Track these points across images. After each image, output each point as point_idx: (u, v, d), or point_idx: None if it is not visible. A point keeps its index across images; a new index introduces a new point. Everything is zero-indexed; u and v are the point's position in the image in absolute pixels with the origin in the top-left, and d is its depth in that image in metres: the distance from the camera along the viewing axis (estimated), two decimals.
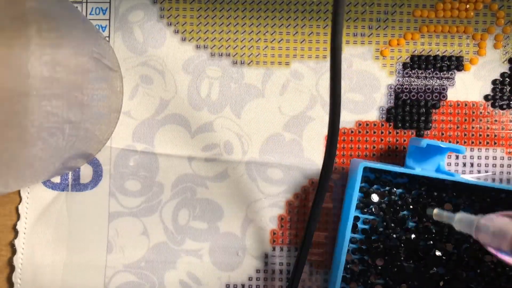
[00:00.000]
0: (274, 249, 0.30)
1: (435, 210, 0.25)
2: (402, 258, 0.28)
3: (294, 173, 0.30)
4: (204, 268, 0.30)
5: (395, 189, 0.28)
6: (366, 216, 0.28)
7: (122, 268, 0.30)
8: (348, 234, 0.26)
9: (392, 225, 0.28)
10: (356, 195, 0.26)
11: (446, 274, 0.28)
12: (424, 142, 0.26)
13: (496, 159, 0.29)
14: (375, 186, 0.28)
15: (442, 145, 0.26)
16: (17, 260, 0.29)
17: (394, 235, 0.28)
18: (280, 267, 0.30)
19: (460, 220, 0.23)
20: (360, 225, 0.28)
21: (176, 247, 0.30)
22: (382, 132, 0.30)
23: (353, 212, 0.26)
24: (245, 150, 0.30)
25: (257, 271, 0.30)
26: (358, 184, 0.26)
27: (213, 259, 0.30)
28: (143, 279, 0.30)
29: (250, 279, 0.30)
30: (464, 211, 0.27)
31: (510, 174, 0.29)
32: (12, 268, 0.30)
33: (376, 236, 0.28)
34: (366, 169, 0.28)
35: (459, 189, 0.28)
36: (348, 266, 0.28)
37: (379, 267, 0.28)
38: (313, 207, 0.26)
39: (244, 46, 0.30)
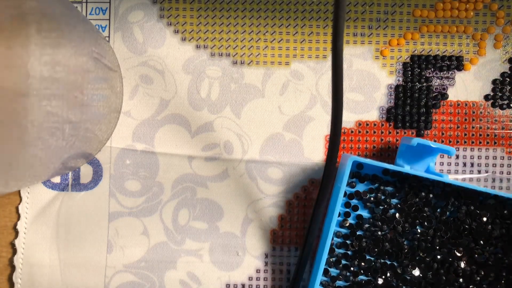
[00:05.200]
0: (274, 249, 0.30)
1: None
2: (386, 257, 0.28)
3: (294, 173, 0.30)
4: (204, 268, 0.30)
5: (383, 187, 0.28)
6: (352, 211, 0.29)
7: (122, 268, 0.30)
8: (333, 228, 0.26)
9: (378, 222, 0.28)
10: (343, 188, 0.26)
11: (427, 276, 0.28)
12: (415, 141, 0.26)
13: (496, 159, 0.29)
14: (364, 182, 0.28)
15: (432, 145, 0.26)
16: (18, 260, 0.29)
17: (379, 233, 0.28)
18: (280, 267, 0.30)
19: None
20: (345, 220, 0.29)
21: (176, 247, 0.30)
22: (382, 132, 0.30)
23: (339, 206, 0.26)
24: (245, 150, 0.30)
25: (257, 271, 0.30)
26: (346, 178, 0.26)
27: (213, 259, 0.30)
28: (143, 279, 0.30)
29: (250, 279, 0.30)
30: (451, 214, 0.28)
31: (510, 174, 0.29)
32: (12, 268, 0.30)
33: (362, 232, 0.28)
34: (356, 165, 0.28)
35: (448, 191, 0.28)
36: (331, 260, 0.28)
37: (362, 263, 0.28)
38: (315, 207, 0.26)
39: (244, 46, 0.30)
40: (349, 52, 0.30)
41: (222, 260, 0.30)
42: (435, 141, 0.30)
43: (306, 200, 0.30)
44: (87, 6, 0.30)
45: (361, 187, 0.29)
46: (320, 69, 0.30)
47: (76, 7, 0.30)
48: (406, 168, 0.27)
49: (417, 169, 0.27)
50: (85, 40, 0.25)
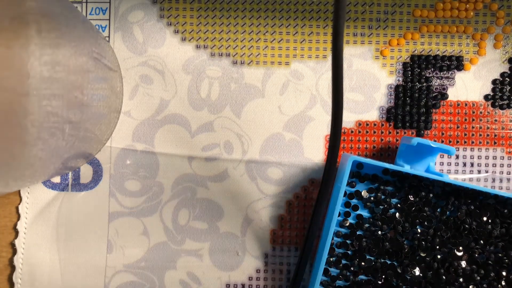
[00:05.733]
0: (274, 249, 0.30)
1: None
2: (386, 256, 0.28)
3: (294, 173, 0.30)
4: (204, 268, 0.30)
5: (383, 186, 0.28)
6: (352, 211, 0.29)
7: (122, 268, 0.30)
8: (333, 227, 0.26)
9: (378, 222, 0.28)
10: (343, 188, 0.26)
11: (427, 276, 0.28)
12: (415, 140, 0.26)
13: (496, 159, 0.29)
14: (364, 182, 0.29)
15: (432, 145, 0.26)
16: (17, 260, 0.29)
17: (380, 232, 0.28)
18: (280, 267, 0.30)
19: None
20: (346, 220, 0.29)
21: (176, 247, 0.30)
22: (382, 132, 0.30)
23: (339, 206, 0.26)
24: (245, 150, 0.30)
25: (257, 271, 0.30)
26: (346, 177, 0.26)
27: (213, 259, 0.30)
28: (143, 279, 0.30)
29: (250, 279, 0.30)
30: (451, 214, 0.28)
31: (510, 174, 0.29)
32: (12, 268, 0.30)
33: (362, 231, 0.28)
34: (356, 165, 0.28)
35: (448, 190, 0.28)
36: (331, 259, 0.28)
37: (362, 263, 0.28)
38: (315, 207, 0.26)
39: (244, 46, 0.30)
40: (349, 52, 0.30)
41: (222, 260, 0.30)
42: (435, 141, 0.30)
43: (306, 200, 0.30)
44: (87, 6, 0.30)
45: (361, 187, 0.29)
46: (320, 69, 0.30)
47: (76, 7, 0.30)
48: (406, 168, 0.27)
49: (417, 169, 0.27)
50: (85, 40, 0.25)
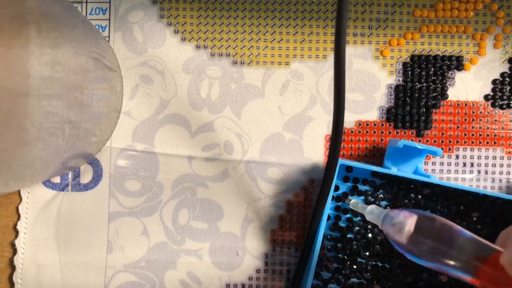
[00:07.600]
0: (274, 249, 0.30)
1: (352, 200, 0.27)
2: (377, 259, 0.28)
3: (294, 173, 0.30)
4: (204, 268, 0.30)
5: (373, 189, 0.28)
6: (341, 214, 0.29)
7: (122, 268, 0.30)
8: (322, 231, 0.26)
9: (369, 225, 0.28)
10: (331, 192, 0.26)
11: (418, 278, 0.28)
12: (401, 142, 0.26)
13: (496, 159, 0.29)
14: (355, 185, 0.29)
15: (418, 146, 0.26)
16: (18, 260, 0.29)
17: (370, 235, 0.28)
18: (280, 267, 0.30)
19: (371, 211, 0.25)
20: (336, 223, 0.29)
21: (176, 247, 0.30)
22: (382, 132, 0.30)
23: (327, 209, 0.26)
24: (245, 150, 0.30)
25: (257, 271, 0.30)
26: (334, 181, 0.26)
27: (213, 259, 0.30)
28: (143, 279, 0.30)
29: (250, 279, 0.30)
30: (441, 214, 0.28)
31: (509, 174, 0.29)
32: (13, 268, 0.30)
33: (352, 235, 0.28)
34: (345, 168, 0.28)
35: (437, 192, 0.28)
36: (323, 263, 0.28)
37: (354, 266, 0.28)
38: (316, 206, 0.26)
39: (244, 46, 0.30)
40: (349, 52, 0.30)
41: (222, 260, 0.30)
42: (435, 141, 0.30)
43: (306, 200, 0.30)
44: (87, 6, 0.30)
45: (349, 190, 0.29)
46: (320, 69, 0.30)
47: (76, 7, 0.30)
48: (393, 170, 0.27)
49: (405, 171, 0.27)
50: (85, 40, 0.25)
